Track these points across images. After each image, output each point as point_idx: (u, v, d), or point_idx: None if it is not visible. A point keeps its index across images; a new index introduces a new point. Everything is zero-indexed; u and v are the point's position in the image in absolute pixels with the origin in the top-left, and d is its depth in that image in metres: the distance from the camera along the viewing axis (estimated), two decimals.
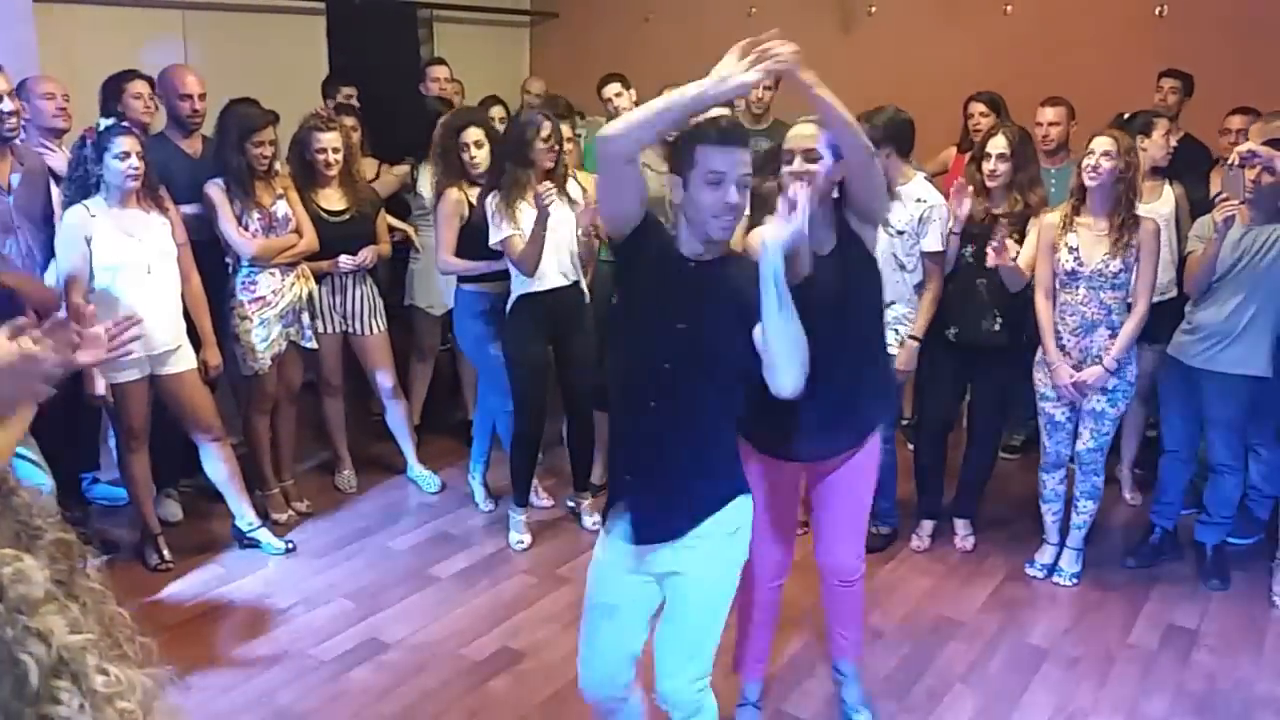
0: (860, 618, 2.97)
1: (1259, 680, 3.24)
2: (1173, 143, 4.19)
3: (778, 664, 3.18)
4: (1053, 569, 3.86)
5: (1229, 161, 3.51)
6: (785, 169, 2.50)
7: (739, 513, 2.26)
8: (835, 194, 2.54)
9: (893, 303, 3.70)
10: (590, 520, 4.15)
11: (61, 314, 1.92)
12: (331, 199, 4.16)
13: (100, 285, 3.49)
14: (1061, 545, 3.88)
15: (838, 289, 2.49)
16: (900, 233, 3.71)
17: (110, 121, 3.56)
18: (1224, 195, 3.54)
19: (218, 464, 3.82)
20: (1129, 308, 3.58)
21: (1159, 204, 4.08)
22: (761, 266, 1.98)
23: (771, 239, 1.99)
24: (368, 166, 4.67)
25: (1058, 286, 3.65)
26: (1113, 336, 3.60)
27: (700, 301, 2.17)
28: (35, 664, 0.77)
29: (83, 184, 3.50)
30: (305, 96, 4.87)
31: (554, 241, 3.74)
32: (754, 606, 2.87)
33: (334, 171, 4.12)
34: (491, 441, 4.38)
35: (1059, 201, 3.84)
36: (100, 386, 3.55)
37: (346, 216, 4.17)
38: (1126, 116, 4.05)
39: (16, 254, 3.55)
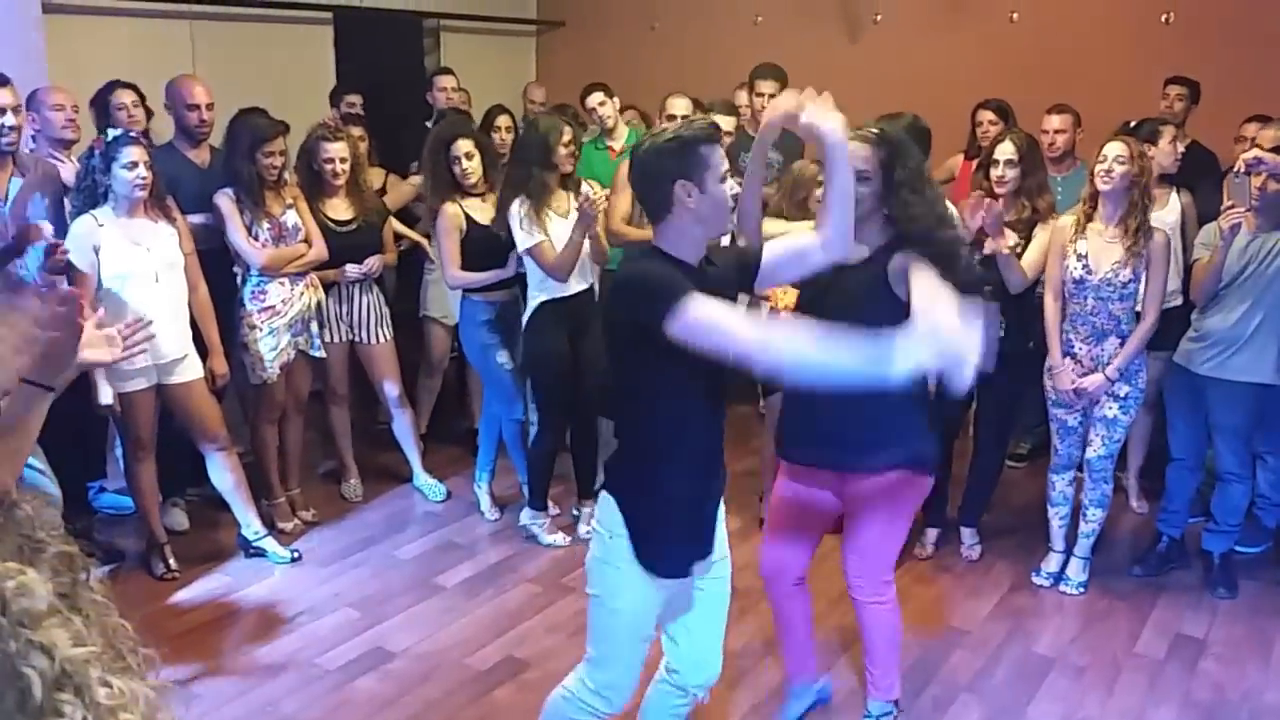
0: (884, 653, 2.85)
1: (1267, 690, 3.22)
2: (1180, 150, 4.19)
3: (776, 672, 3.16)
4: (1059, 577, 3.85)
5: (1234, 169, 3.51)
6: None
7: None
8: (886, 211, 2.56)
9: None
10: (585, 529, 4.14)
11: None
12: (338, 209, 4.18)
13: (108, 294, 3.50)
14: (1068, 553, 3.87)
15: (851, 300, 2.50)
16: None
17: (118, 132, 3.58)
18: (1230, 203, 3.54)
19: (224, 473, 3.83)
20: (1138, 316, 3.58)
21: (1165, 212, 4.07)
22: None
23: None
24: (375, 176, 4.69)
25: (1066, 296, 3.64)
26: (1123, 345, 3.60)
27: (748, 284, 2.31)
28: (39, 677, 0.77)
29: (91, 194, 3.53)
30: (312, 106, 4.90)
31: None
32: (772, 612, 2.88)
33: (341, 181, 4.14)
34: (497, 450, 4.39)
35: (1065, 209, 3.84)
36: (107, 395, 3.56)
37: (353, 226, 4.18)
38: (1133, 124, 4.05)
39: (18, 264, 3.56)
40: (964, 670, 3.30)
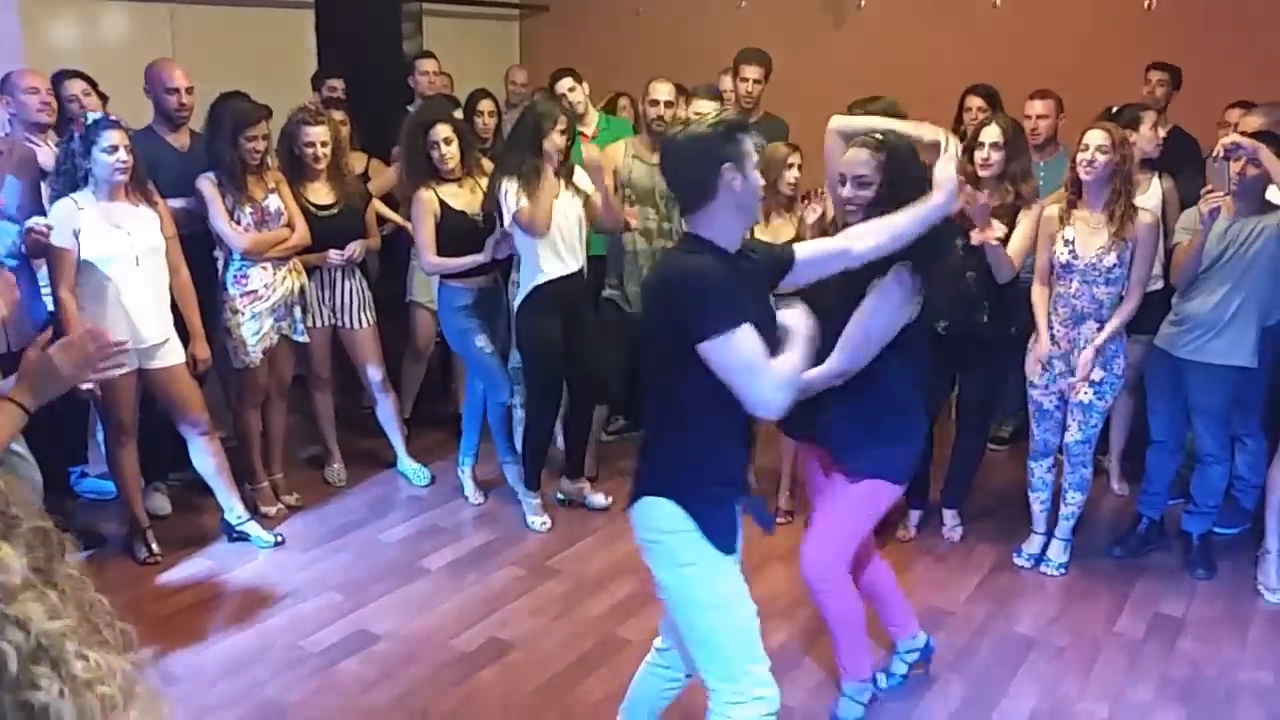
0: (845, 636, 2.88)
1: (1243, 667, 3.27)
2: (1162, 135, 4.21)
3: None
4: (1040, 559, 3.88)
5: (1214, 153, 3.53)
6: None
7: None
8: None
9: None
10: (599, 499, 4.31)
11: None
12: (320, 193, 4.16)
13: (88, 278, 3.48)
14: (1049, 535, 3.90)
15: (847, 301, 2.56)
16: None
17: (98, 115, 3.56)
18: (1209, 187, 3.56)
19: (206, 458, 3.82)
20: (1121, 300, 3.60)
21: (1146, 197, 4.08)
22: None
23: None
24: (356, 160, 4.67)
25: (1053, 279, 3.67)
26: (1101, 330, 3.63)
27: (776, 283, 2.35)
28: (14, 650, 0.78)
29: (71, 178, 3.50)
30: (293, 91, 4.87)
31: (562, 230, 3.85)
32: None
33: (322, 165, 4.12)
34: (481, 435, 4.39)
35: (1046, 195, 3.85)
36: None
37: (335, 210, 4.17)
38: (1115, 110, 4.06)
39: None
40: (946, 650, 3.32)
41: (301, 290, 4.13)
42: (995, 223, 3.55)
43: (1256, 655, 3.34)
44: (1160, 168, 4.21)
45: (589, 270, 4.13)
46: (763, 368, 2.02)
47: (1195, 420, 3.80)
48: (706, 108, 4.43)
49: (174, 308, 3.75)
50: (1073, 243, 3.59)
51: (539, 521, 4.14)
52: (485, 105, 4.83)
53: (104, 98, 4.15)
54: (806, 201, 3.67)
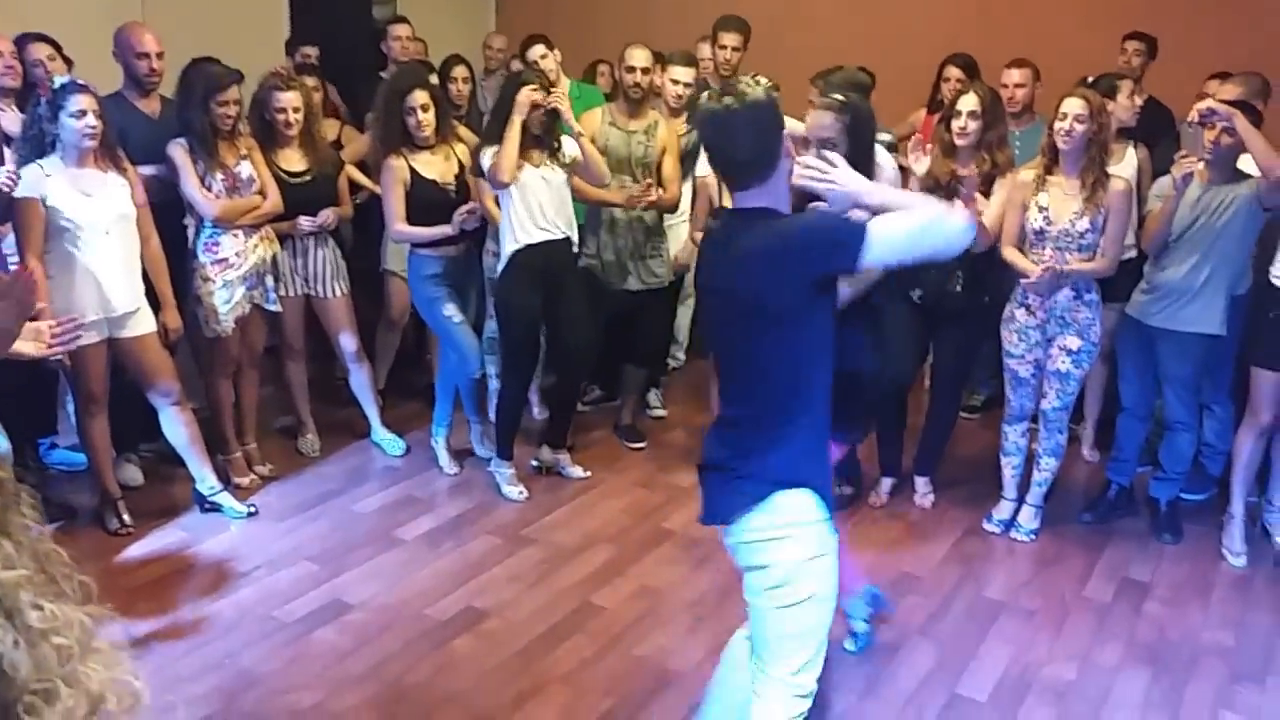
0: None
1: (1205, 629, 3.33)
2: (1138, 104, 4.22)
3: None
4: (1010, 524, 3.92)
5: (1188, 119, 3.55)
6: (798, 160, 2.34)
7: None
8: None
9: None
10: (577, 470, 4.32)
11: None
12: (291, 160, 4.11)
13: (57, 246, 3.44)
14: (1020, 501, 3.94)
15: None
16: None
17: (66, 79, 3.49)
18: (1183, 152, 3.57)
19: (178, 428, 3.79)
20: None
21: (1121, 167, 4.10)
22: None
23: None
24: (329, 128, 4.61)
25: (1026, 248, 3.68)
26: (1076, 298, 3.66)
27: None
28: None
29: (38, 143, 3.44)
30: (266, 56, 4.79)
31: (548, 197, 3.85)
32: None
33: (294, 132, 4.07)
34: (454, 404, 4.38)
35: (1024, 163, 3.86)
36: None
37: (307, 178, 4.12)
38: (1091, 80, 4.07)
39: None
40: (917, 614, 3.36)
41: (274, 259, 4.08)
42: (979, 197, 3.55)
43: (1220, 617, 3.40)
44: (1136, 137, 4.22)
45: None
46: (924, 213, 2.00)
47: (1165, 388, 3.84)
48: (683, 74, 4.43)
49: (145, 276, 3.70)
50: (1047, 209, 3.61)
51: (515, 491, 4.14)
52: (459, 72, 4.79)
53: (69, 62, 4.08)
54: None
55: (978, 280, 3.81)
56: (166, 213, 3.88)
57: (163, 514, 3.92)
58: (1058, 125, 3.53)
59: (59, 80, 3.46)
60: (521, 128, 3.77)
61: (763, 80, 2.13)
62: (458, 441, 4.44)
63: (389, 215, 4.02)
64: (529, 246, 3.88)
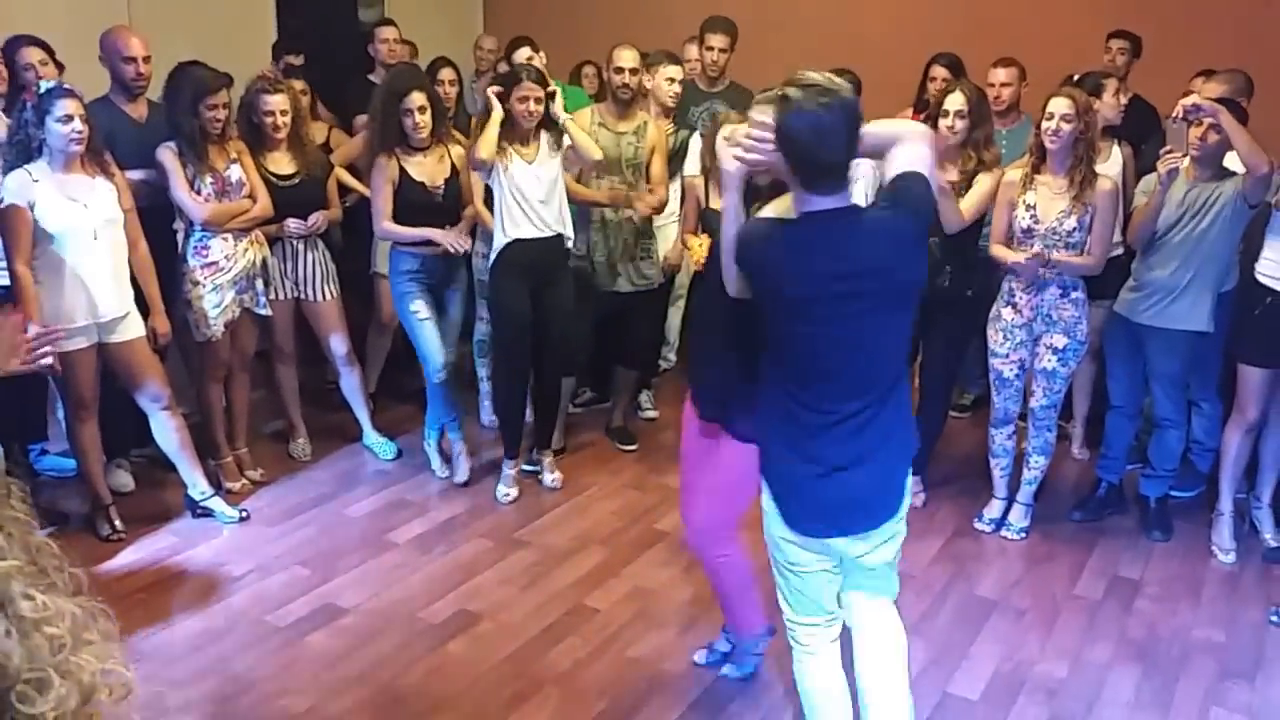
0: (732, 600, 2.91)
1: (1196, 626, 3.34)
2: (1123, 102, 4.25)
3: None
4: (1001, 523, 3.93)
5: (1173, 115, 3.57)
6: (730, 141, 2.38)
7: None
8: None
9: None
10: (551, 478, 4.25)
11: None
12: (280, 163, 4.11)
13: (45, 252, 3.43)
14: (1010, 500, 3.95)
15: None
16: None
17: (52, 83, 3.48)
18: (1168, 148, 3.59)
19: (168, 433, 3.78)
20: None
21: (1107, 165, 4.12)
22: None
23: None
24: (318, 130, 4.61)
25: (1014, 247, 3.70)
26: (1062, 296, 3.67)
27: None
28: None
29: (24, 149, 3.43)
30: (252, 61, 4.78)
31: (526, 193, 3.84)
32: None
33: (282, 135, 4.06)
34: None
35: (1009, 162, 3.88)
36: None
37: (295, 181, 4.12)
38: (1076, 78, 4.09)
39: None
40: (908, 612, 3.31)
41: (263, 262, 4.08)
42: (946, 165, 3.57)
43: (1210, 614, 3.41)
44: (1120, 135, 4.25)
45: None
46: (914, 134, 2.19)
47: (1154, 385, 3.86)
48: (674, 72, 4.45)
49: (134, 281, 3.69)
50: (1034, 207, 3.62)
51: (502, 491, 4.14)
52: (446, 74, 4.79)
53: (61, 67, 4.06)
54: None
55: (965, 275, 3.82)
56: (155, 217, 3.87)
57: (154, 519, 3.90)
58: (1045, 125, 3.55)
59: (45, 85, 3.45)
60: (505, 115, 3.79)
61: (833, 76, 2.07)
62: (449, 445, 4.42)
63: (376, 212, 4.02)
64: (518, 241, 3.89)
